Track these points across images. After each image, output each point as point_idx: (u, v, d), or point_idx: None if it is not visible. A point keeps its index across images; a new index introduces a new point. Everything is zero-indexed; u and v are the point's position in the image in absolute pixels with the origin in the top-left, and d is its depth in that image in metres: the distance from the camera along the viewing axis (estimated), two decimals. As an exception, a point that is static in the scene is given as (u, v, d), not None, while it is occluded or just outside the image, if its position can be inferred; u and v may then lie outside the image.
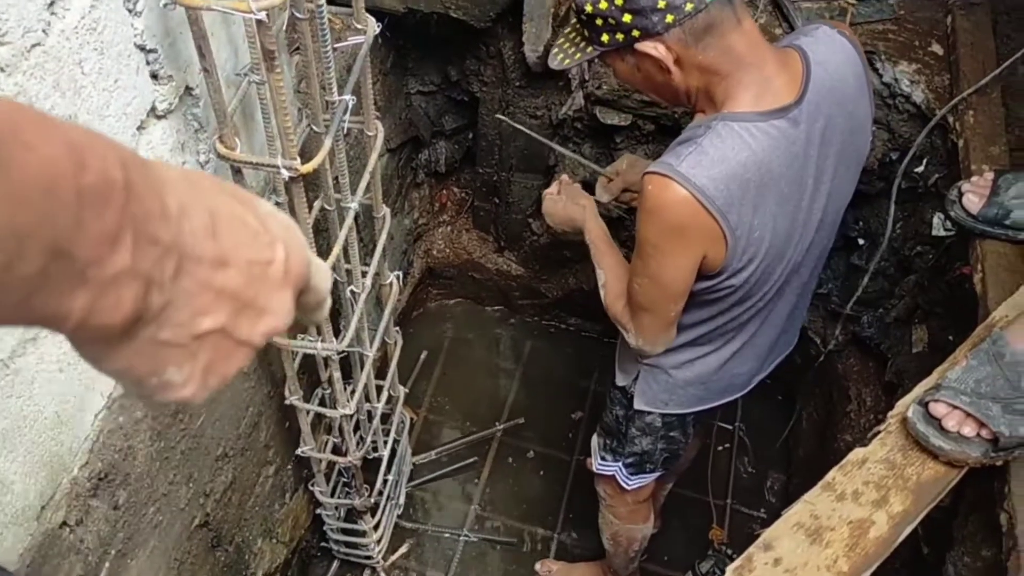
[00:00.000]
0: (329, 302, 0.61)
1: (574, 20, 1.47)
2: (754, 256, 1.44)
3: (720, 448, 2.80)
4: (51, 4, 0.97)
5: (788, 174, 1.41)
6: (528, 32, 2.09)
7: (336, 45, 1.34)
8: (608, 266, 1.70)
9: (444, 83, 2.47)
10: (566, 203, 1.86)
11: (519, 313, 3.09)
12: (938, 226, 2.15)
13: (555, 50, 1.52)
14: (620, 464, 1.96)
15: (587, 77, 2.27)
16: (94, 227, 0.39)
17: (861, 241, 2.41)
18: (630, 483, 1.99)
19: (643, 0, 1.30)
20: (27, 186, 0.36)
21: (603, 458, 1.99)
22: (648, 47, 1.34)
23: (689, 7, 1.29)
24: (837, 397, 2.55)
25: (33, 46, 0.96)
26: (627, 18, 1.32)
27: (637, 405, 1.79)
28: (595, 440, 2.03)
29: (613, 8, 1.33)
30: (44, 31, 0.97)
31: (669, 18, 1.30)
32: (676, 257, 1.43)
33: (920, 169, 2.14)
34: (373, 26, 1.44)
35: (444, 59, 2.39)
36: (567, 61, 1.48)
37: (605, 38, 1.39)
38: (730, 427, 2.83)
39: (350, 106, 1.39)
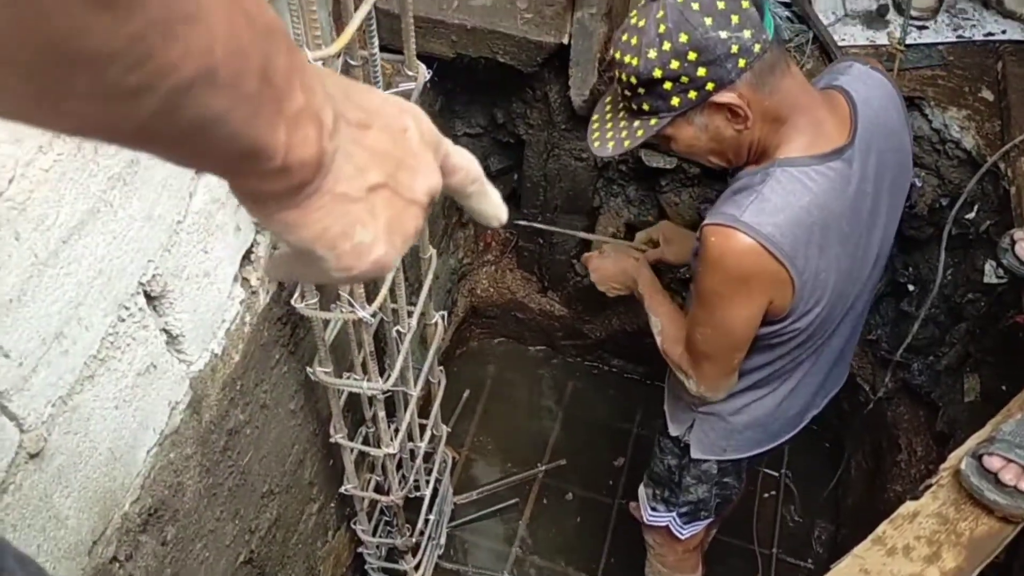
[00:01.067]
0: (488, 186, 0.63)
1: (623, 95, 1.40)
2: (820, 298, 1.44)
3: (766, 495, 2.75)
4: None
5: (847, 214, 1.41)
6: (574, 76, 2.12)
7: (388, 91, 1.37)
8: (664, 313, 1.69)
9: (490, 126, 2.51)
10: (615, 258, 1.86)
11: (562, 353, 3.09)
12: (990, 273, 2.11)
13: (598, 135, 1.45)
14: (674, 514, 1.92)
15: (633, 121, 2.29)
16: (277, 60, 0.43)
17: (911, 287, 2.38)
18: (684, 532, 1.96)
19: (718, 48, 1.27)
20: (239, 9, 0.40)
21: (654, 509, 1.96)
22: (725, 97, 1.31)
23: (757, 48, 1.29)
24: (887, 446, 2.50)
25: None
26: (702, 72, 1.29)
27: (694, 454, 1.77)
28: (644, 491, 1.99)
29: (686, 65, 1.29)
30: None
31: (741, 62, 1.29)
32: (742, 306, 1.42)
33: (971, 215, 2.11)
34: (424, 72, 1.47)
35: (491, 102, 2.43)
36: (628, 143, 1.40)
37: (676, 101, 1.33)
38: (776, 474, 2.78)
39: (400, 151, 1.41)
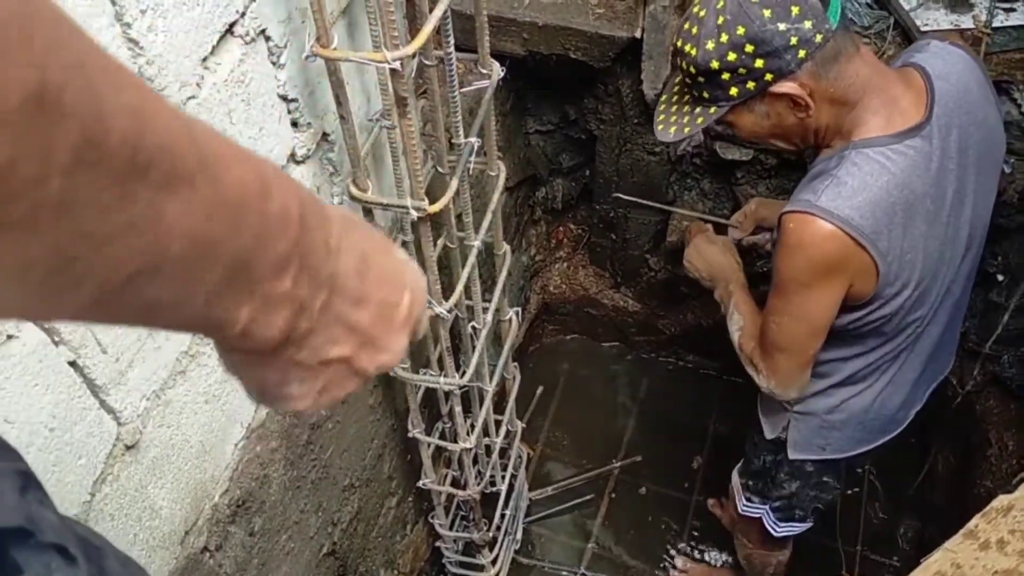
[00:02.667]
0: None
1: (684, 82, 1.41)
2: (908, 280, 1.40)
3: (849, 492, 2.68)
4: (204, 59, 1.05)
5: (931, 192, 1.37)
6: (647, 70, 2.10)
7: (462, 89, 1.38)
8: (747, 312, 1.67)
9: (562, 122, 2.51)
10: (723, 249, 1.83)
11: (635, 349, 3.07)
12: (1085, 261, 2.02)
13: (663, 119, 1.46)
14: (767, 508, 1.90)
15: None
16: (270, 249, 0.43)
17: (1000, 277, 2.30)
18: (778, 529, 1.92)
19: (776, 40, 1.27)
20: (224, 200, 0.39)
21: (749, 500, 1.93)
22: (784, 87, 1.31)
23: (819, 38, 1.27)
24: (976, 441, 2.42)
25: (188, 99, 1.03)
26: (759, 63, 1.29)
27: (792, 455, 1.74)
28: (738, 479, 1.97)
29: (743, 57, 1.29)
30: (198, 84, 1.04)
31: (802, 53, 1.28)
32: (822, 292, 1.39)
33: (1064, 201, 2.03)
34: (497, 70, 1.48)
35: (562, 98, 2.43)
36: (688, 129, 1.42)
37: (734, 91, 1.34)
38: (860, 471, 2.72)
39: (475, 148, 1.43)
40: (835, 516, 2.60)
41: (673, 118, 1.45)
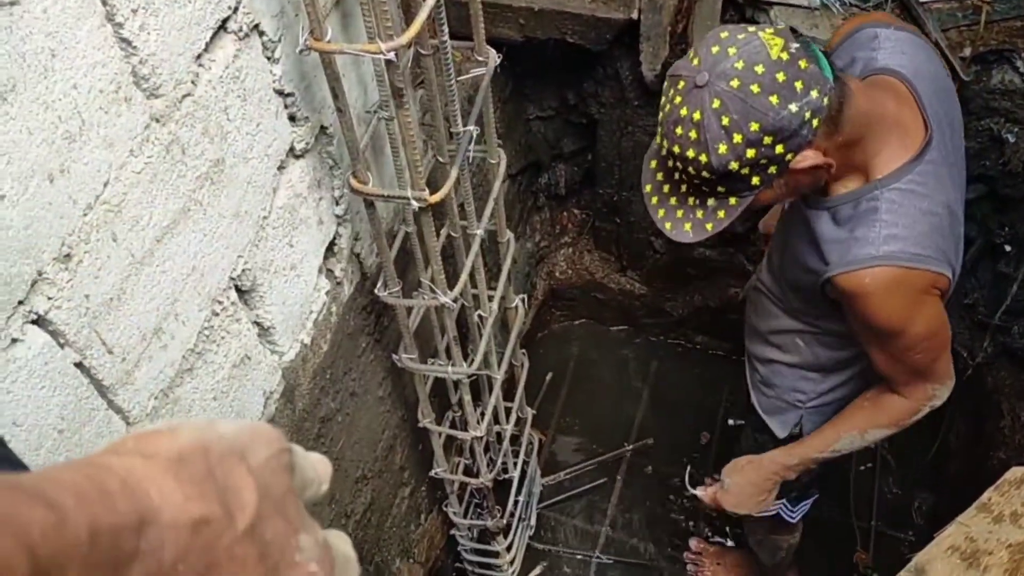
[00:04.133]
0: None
1: (694, 182, 1.30)
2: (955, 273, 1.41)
3: (862, 468, 2.68)
4: (198, 57, 1.05)
5: (956, 191, 1.39)
6: (645, 51, 2.09)
7: (459, 78, 1.38)
8: (846, 429, 1.63)
9: (562, 107, 2.50)
10: (745, 477, 1.76)
11: (644, 332, 3.07)
12: (1094, 229, 2.01)
13: (664, 215, 1.36)
14: (783, 501, 1.88)
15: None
16: None
17: (1008, 248, 2.28)
18: (794, 514, 1.92)
19: (793, 123, 1.20)
20: None
21: None
22: (807, 161, 1.24)
23: (826, 101, 1.21)
24: (988, 413, 2.41)
25: (184, 97, 1.03)
26: (780, 149, 1.22)
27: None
28: None
29: (763, 149, 1.22)
30: (193, 82, 1.04)
31: (815, 122, 1.22)
32: (930, 308, 1.37)
33: (1071, 169, 2.02)
34: (494, 57, 1.47)
35: (561, 83, 2.42)
36: (710, 226, 1.32)
37: (756, 180, 1.26)
38: (872, 445, 2.71)
39: (474, 136, 1.43)
40: (848, 492, 2.61)
41: (680, 212, 1.35)
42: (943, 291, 1.36)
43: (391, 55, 1.08)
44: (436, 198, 1.33)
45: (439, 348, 1.74)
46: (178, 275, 1.08)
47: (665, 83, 1.29)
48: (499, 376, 1.91)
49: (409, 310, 1.61)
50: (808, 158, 1.24)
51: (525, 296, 2.27)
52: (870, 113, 1.30)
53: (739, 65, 1.19)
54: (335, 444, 1.65)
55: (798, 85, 1.19)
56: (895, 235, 1.29)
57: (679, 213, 1.35)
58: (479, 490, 2.13)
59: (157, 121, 0.99)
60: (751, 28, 1.25)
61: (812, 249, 1.40)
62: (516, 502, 2.32)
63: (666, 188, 1.36)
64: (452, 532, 2.34)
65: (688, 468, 2.07)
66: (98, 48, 0.88)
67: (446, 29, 1.26)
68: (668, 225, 1.36)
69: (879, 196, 1.31)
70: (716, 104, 1.20)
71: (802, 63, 1.20)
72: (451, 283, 1.54)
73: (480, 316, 1.78)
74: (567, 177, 2.72)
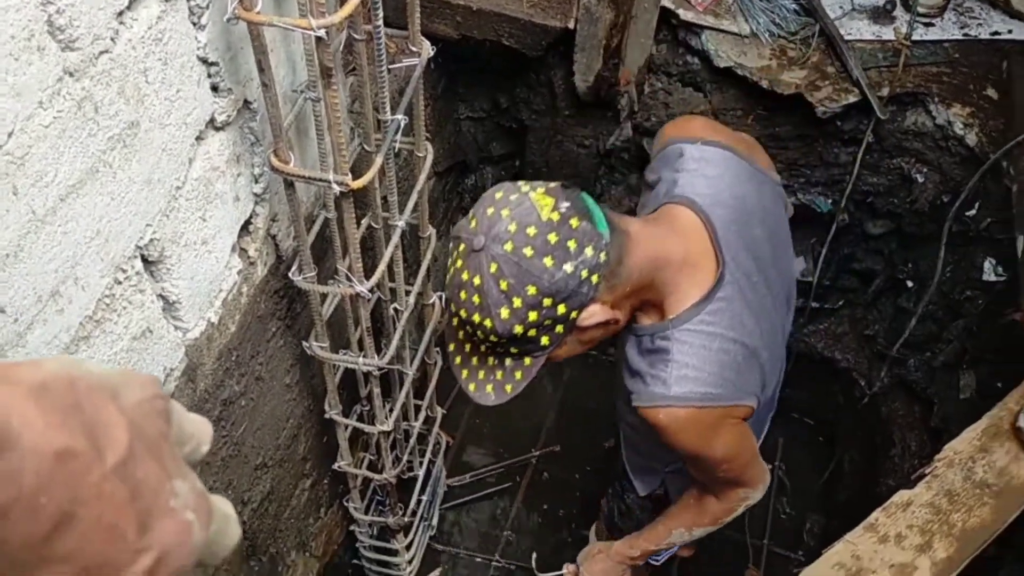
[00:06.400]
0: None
1: (485, 346, 1.31)
2: (767, 382, 1.46)
3: (758, 487, 2.75)
4: (120, 14, 1.01)
5: (755, 318, 1.39)
6: (579, 62, 2.12)
7: (391, 66, 1.37)
8: (675, 525, 1.69)
9: (493, 110, 2.51)
10: (605, 569, 1.87)
11: (559, 342, 3.09)
12: (989, 271, 2.11)
13: (467, 375, 1.37)
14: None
15: (636, 108, 2.29)
16: None
17: (910, 283, 2.38)
18: (660, 558, 1.97)
19: (571, 284, 1.20)
20: None
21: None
22: (592, 317, 1.25)
23: (603, 256, 1.22)
24: (880, 441, 2.51)
25: (101, 53, 0.99)
26: (562, 309, 1.22)
27: (674, 497, 1.77)
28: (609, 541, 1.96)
29: (544, 311, 1.22)
30: (112, 39, 1.01)
31: (595, 279, 1.22)
32: (727, 436, 1.41)
33: (972, 213, 2.12)
34: (428, 49, 1.47)
35: (494, 86, 2.43)
36: (509, 388, 1.34)
37: (545, 340, 1.27)
38: (769, 466, 2.79)
39: (402, 126, 1.42)
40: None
41: (481, 373, 1.36)
42: (745, 416, 1.41)
43: (321, 32, 1.06)
44: (359, 184, 1.31)
45: (351, 339, 1.72)
46: (81, 237, 1.04)
47: (451, 244, 1.30)
48: (411, 372, 1.89)
49: (324, 297, 1.58)
50: (595, 313, 1.25)
51: (443, 294, 2.26)
52: (656, 257, 1.30)
53: (512, 228, 1.20)
54: (236, 428, 1.61)
55: (571, 244, 1.19)
56: (685, 376, 1.31)
57: (480, 374, 1.35)
58: (382, 487, 2.11)
59: (71, 75, 0.95)
60: (525, 187, 1.25)
61: (626, 368, 1.43)
62: (419, 501, 2.31)
63: (467, 347, 1.37)
64: (352, 528, 2.31)
65: (534, 555, 2.35)
66: (13, -7, 0.84)
67: (381, 15, 1.24)
68: (472, 387, 1.36)
69: (670, 336, 1.33)
70: (493, 268, 1.20)
71: (573, 222, 1.20)
72: (368, 274, 1.52)
73: (396, 310, 1.77)
74: (494, 180, 2.73)
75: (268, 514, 1.87)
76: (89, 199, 1.03)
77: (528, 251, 1.19)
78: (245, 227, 1.45)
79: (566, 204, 1.22)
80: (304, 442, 1.96)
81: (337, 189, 1.31)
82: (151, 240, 1.18)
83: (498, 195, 1.25)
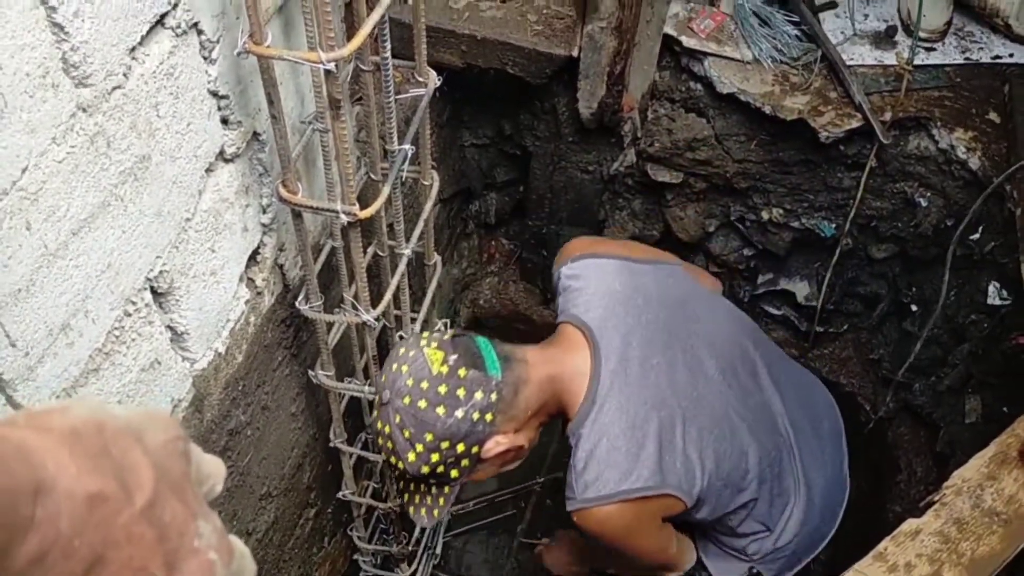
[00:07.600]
0: None
1: (411, 484, 1.51)
2: (701, 474, 1.50)
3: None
4: (132, 49, 1.02)
5: (657, 400, 1.49)
6: (583, 89, 2.13)
7: (398, 97, 1.38)
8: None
9: (497, 137, 2.52)
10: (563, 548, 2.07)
11: (563, 366, 3.08)
12: (994, 295, 2.11)
13: (409, 499, 1.55)
14: None
15: (639, 134, 2.30)
16: None
17: (914, 308, 2.38)
18: None
19: (464, 427, 1.35)
20: None
21: None
22: (493, 450, 1.40)
23: (494, 396, 1.37)
24: (886, 466, 2.49)
25: (114, 88, 1.00)
26: (461, 448, 1.38)
27: None
28: None
29: (445, 452, 1.37)
30: (125, 75, 1.01)
31: (488, 417, 1.37)
32: (648, 535, 1.53)
33: (976, 237, 2.12)
34: (434, 79, 1.48)
35: (498, 113, 2.44)
36: (437, 512, 1.51)
37: (455, 473, 1.43)
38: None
39: (409, 156, 1.42)
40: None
41: (418, 498, 1.53)
42: (664, 504, 1.48)
43: (331, 65, 1.07)
44: (366, 214, 1.32)
45: (357, 367, 1.72)
46: (92, 271, 1.04)
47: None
48: (416, 400, 1.89)
49: (329, 326, 1.58)
50: (499, 444, 1.40)
51: (448, 321, 2.26)
52: (552, 377, 1.47)
53: (409, 383, 1.36)
54: (242, 458, 1.60)
55: (460, 393, 1.35)
56: (587, 482, 1.44)
57: (416, 499, 1.53)
58: (386, 515, 2.10)
59: (84, 111, 0.96)
60: (423, 340, 1.42)
61: None
62: (423, 530, 2.29)
63: (400, 479, 1.56)
64: (355, 557, 2.29)
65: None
66: (28, 30, 0.85)
67: (388, 46, 1.25)
68: (411, 510, 1.54)
69: (571, 439, 1.48)
70: (397, 419, 1.37)
71: (461, 372, 1.36)
72: (375, 302, 1.53)
73: (401, 337, 1.77)
74: (498, 206, 2.74)
75: (272, 544, 1.86)
76: (100, 233, 1.04)
77: (423, 403, 1.35)
78: (253, 257, 1.45)
79: (454, 356, 1.38)
80: (309, 471, 1.95)
81: (344, 219, 1.31)
82: (161, 272, 1.18)
83: (401, 351, 1.42)
